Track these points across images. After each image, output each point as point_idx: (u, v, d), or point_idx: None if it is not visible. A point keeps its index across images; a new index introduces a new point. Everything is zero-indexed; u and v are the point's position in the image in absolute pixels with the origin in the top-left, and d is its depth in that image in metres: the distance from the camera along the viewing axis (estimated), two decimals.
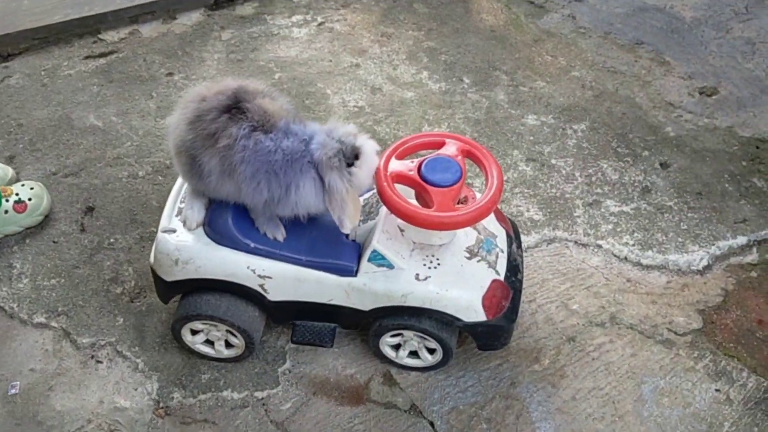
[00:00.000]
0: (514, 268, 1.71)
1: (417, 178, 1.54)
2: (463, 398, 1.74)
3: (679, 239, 2.08)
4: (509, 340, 1.73)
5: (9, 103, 2.41)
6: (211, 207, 1.63)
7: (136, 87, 2.47)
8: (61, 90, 2.45)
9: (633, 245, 2.07)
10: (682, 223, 2.13)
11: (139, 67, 2.54)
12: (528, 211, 2.14)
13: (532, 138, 2.35)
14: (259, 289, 1.64)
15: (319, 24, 2.73)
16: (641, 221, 2.13)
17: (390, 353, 1.76)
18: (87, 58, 2.57)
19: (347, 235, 1.64)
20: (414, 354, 1.76)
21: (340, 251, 1.62)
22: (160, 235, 1.65)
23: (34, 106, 2.40)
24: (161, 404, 1.72)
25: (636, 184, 2.23)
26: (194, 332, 1.73)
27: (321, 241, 1.62)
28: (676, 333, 1.89)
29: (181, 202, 1.70)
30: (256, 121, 1.47)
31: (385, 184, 1.53)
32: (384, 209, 1.63)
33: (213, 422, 1.70)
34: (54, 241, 2.02)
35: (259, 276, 1.62)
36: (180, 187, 1.72)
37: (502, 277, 1.66)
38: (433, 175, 1.54)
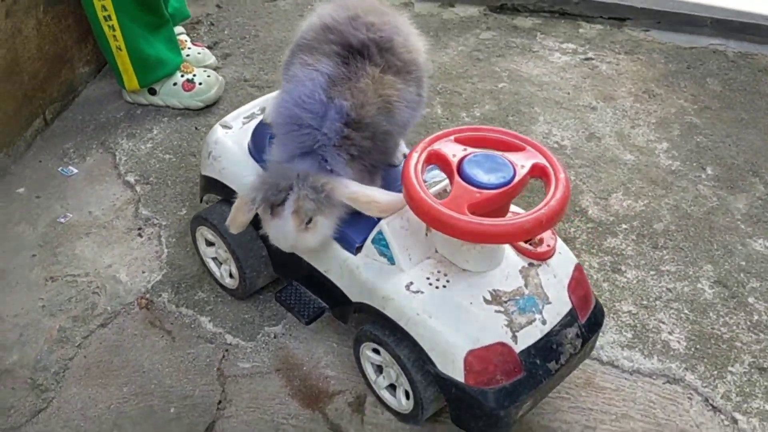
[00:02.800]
0: (548, 351, 1.25)
1: (454, 164, 1.19)
2: None
3: None
4: None
5: (264, 17, 2.53)
6: (259, 122, 1.49)
7: None
8: None
9: None
10: None
11: None
12: (670, 333, 1.58)
13: (743, 264, 1.73)
14: None
15: (586, 58, 2.39)
16: None
17: (371, 374, 1.41)
18: None
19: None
20: (395, 390, 1.39)
21: (355, 223, 1.33)
22: (216, 125, 1.56)
23: (279, 27, 2.49)
24: (148, 295, 1.61)
25: None
26: (210, 244, 1.59)
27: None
28: None
29: (259, 110, 1.58)
30: (336, 75, 1.28)
31: (415, 154, 1.21)
32: None
33: (173, 338, 1.54)
34: (196, 128, 2.05)
35: None
36: (265, 99, 1.61)
37: (517, 348, 1.22)
38: (472, 168, 1.18)
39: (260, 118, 1.54)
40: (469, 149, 1.22)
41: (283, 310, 1.58)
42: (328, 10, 1.36)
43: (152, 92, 2.08)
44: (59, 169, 1.91)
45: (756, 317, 1.62)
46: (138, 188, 1.86)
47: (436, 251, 1.30)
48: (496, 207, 1.17)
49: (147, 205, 1.82)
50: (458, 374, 1.20)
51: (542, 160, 1.21)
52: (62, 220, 1.78)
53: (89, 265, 1.67)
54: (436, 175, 1.33)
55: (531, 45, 2.45)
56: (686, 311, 1.63)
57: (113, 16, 1.90)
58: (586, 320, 1.31)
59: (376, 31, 1.31)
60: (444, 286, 1.25)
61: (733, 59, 2.41)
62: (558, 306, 1.28)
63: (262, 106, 1.60)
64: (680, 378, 1.50)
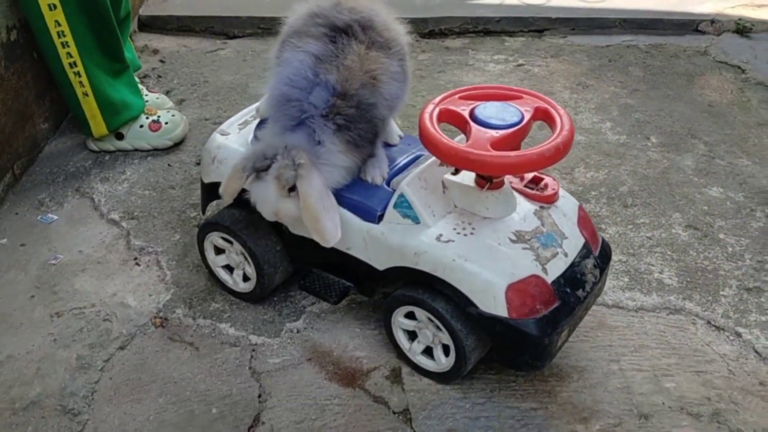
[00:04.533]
0: (575, 280, 1.34)
1: (465, 114, 1.29)
2: (467, 425, 1.36)
3: None
4: (541, 363, 1.33)
5: (209, 66, 2.61)
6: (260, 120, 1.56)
7: None
8: (255, 66, 2.60)
9: None
10: None
11: None
12: (660, 272, 1.70)
13: (705, 208, 1.90)
14: None
15: (518, 65, 2.58)
16: None
17: (404, 342, 1.45)
18: None
19: (389, 182, 1.43)
20: (430, 355, 1.44)
21: (370, 193, 1.41)
22: (213, 133, 1.60)
23: (226, 72, 2.56)
24: (161, 314, 1.60)
25: None
26: (218, 252, 1.61)
27: (358, 181, 1.43)
28: None
29: (252, 116, 1.64)
30: (324, 53, 1.38)
31: (427, 113, 1.31)
32: (431, 158, 1.39)
33: (197, 348, 1.53)
34: (169, 165, 2.08)
35: None
36: (255, 106, 1.67)
37: (549, 279, 1.30)
38: (483, 114, 1.29)
39: (256, 122, 1.60)
40: (475, 102, 1.33)
41: (301, 306, 1.61)
42: (312, 0, 1.47)
43: (119, 137, 2.09)
44: (38, 218, 1.88)
45: (730, 249, 1.78)
46: (124, 224, 1.86)
47: (455, 206, 1.38)
48: (513, 146, 1.27)
49: (138, 236, 1.82)
50: (501, 310, 1.27)
51: (542, 104, 1.33)
52: (53, 261, 1.75)
53: (93, 297, 1.65)
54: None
55: (466, 60, 2.62)
56: (669, 252, 1.76)
57: (79, 63, 1.92)
58: (599, 252, 1.42)
59: (358, 13, 1.43)
60: (471, 233, 1.33)
61: (646, 50, 2.66)
62: (574, 240, 1.38)
63: (253, 112, 1.66)
64: (681, 308, 1.62)
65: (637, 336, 1.56)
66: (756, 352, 1.52)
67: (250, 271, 1.56)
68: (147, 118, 2.11)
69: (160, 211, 1.90)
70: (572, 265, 1.35)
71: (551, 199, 1.41)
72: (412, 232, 1.35)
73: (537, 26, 2.79)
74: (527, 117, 1.29)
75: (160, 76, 2.53)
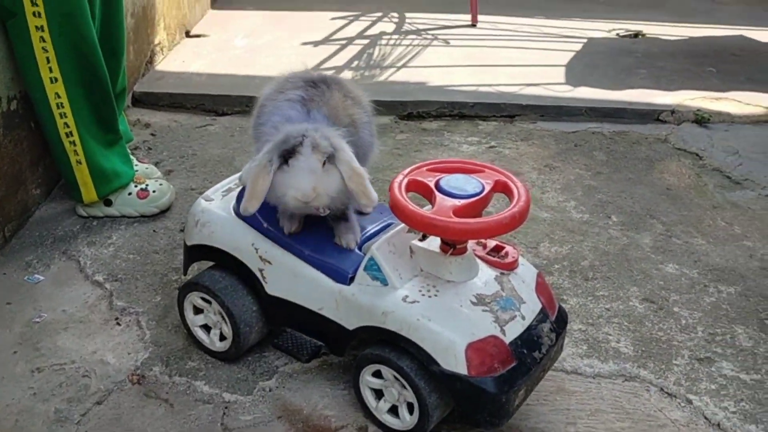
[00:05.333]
0: (531, 342, 1.43)
1: (431, 184, 1.42)
2: None
3: None
4: (499, 420, 1.40)
5: (198, 140, 2.73)
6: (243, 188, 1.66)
7: None
8: (242, 141, 2.73)
9: (734, 413, 1.60)
10: None
11: None
12: (617, 342, 1.80)
13: (661, 283, 2.01)
14: (259, 275, 1.58)
15: (490, 146, 2.73)
16: (758, 394, 1.65)
17: (371, 401, 1.53)
18: None
19: (360, 247, 1.53)
20: (396, 414, 1.50)
21: (342, 256, 1.52)
22: (198, 199, 1.71)
23: (213, 146, 2.69)
24: (139, 371, 1.67)
25: None
26: (197, 312, 1.69)
27: (330, 243, 1.54)
28: None
29: (235, 185, 1.75)
30: (306, 97, 1.51)
31: (396, 182, 1.43)
32: (400, 225, 1.50)
33: (171, 405, 1.59)
34: (154, 231, 2.17)
35: (261, 258, 1.56)
36: (240, 174, 1.78)
37: (507, 340, 1.39)
38: (448, 185, 1.41)
39: (238, 189, 1.70)
40: (441, 174, 1.45)
41: (274, 366, 1.68)
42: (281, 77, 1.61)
43: (108, 203, 2.19)
44: (25, 278, 1.96)
45: (683, 321, 1.88)
46: (108, 285, 1.94)
47: (421, 270, 1.48)
48: (474, 214, 1.39)
49: (120, 297, 1.89)
50: (461, 368, 1.36)
51: (501, 177, 1.45)
52: (37, 320, 1.82)
53: (74, 354, 1.71)
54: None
55: (441, 140, 2.78)
56: (626, 323, 1.86)
57: (75, 133, 2.05)
58: (555, 317, 1.52)
59: (326, 76, 1.58)
60: (435, 295, 1.42)
61: (610, 136, 2.83)
62: (531, 305, 1.48)
63: (235, 183, 1.77)
64: (635, 375, 1.71)
65: (593, 401, 1.64)
66: (705, 418, 1.60)
67: (227, 330, 1.64)
68: (135, 186, 2.22)
69: (143, 274, 1.98)
70: (529, 327, 1.44)
71: (511, 266, 1.52)
72: (381, 293, 1.44)
73: (509, 112, 2.96)
74: (487, 188, 1.42)
75: (150, 148, 2.65)
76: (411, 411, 1.46)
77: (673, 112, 2.95)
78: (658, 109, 2.97)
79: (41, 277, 1.97)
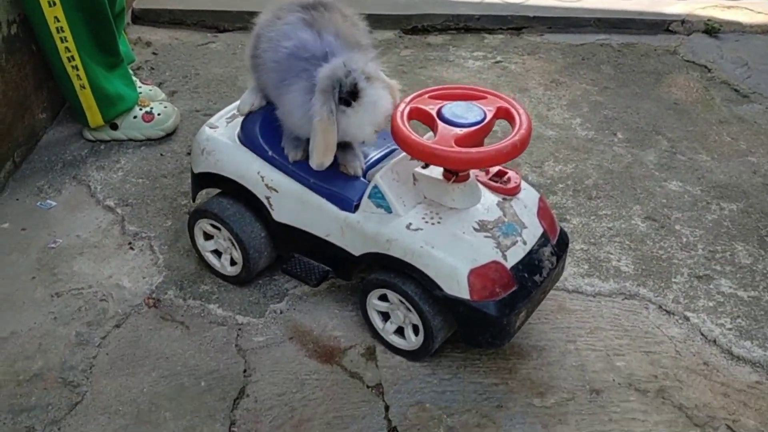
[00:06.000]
0: (532, 266, 1.47)
1: (433, 113, 1.42)
2: (434, 398, 1.50)
3: None
4: (500, 341, 1.46)
5: (200, 58, 2.71)
6: (246, 115, 1.66)
7: None
8: (243, 59, 2.69)
9: (730, 329, 1.66)
10: None
11: None
12: (618, 260, 1.84)
13: (665, 201, 2.03)
14: (266, 202, 1.61)
15: (496, 62, 2.70)
16: (754, 311, 1.71)
17: (378, 322, 1.58)
18: None
19: (365, 175, 1.55)
20: (402, 334, 1.57)
21: (347, 184, 1.53)
22: (203, 126, 1.72)
23: (216, 65, 2.67)
24: (154, 295, 1.73)
25: None
26: (207, 238, 1.74)
27: (335, 170, 1.55)
28: None
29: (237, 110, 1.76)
30: (309, 19, 1.46)
31: (398, 112, 1.43)
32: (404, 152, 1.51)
33: (186, 327, 1.66)
34: (161, 154, 2.19)
35: (267, 186, 1.59)
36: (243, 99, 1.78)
37: (508, 265, 1.43)
38: (449, 113, 1.41)
39: (241, 118, 1.71)
40: (443, 102, 1.45)
41: (284, 289, 1.73)
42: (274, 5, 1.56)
43: (114, 127, 2.21)
44: (38, 204, 2.00)
45: (684, 239, 1.91)
46: (119, 210, 1.98)
47: (425, 197, 1.50)
48: (476, 143, 1.40)
49: (132, 222, 1.94)
50: (464, 292, 1.40)
51: (504, 104, 1.45)
52: (53, 245, 1.86)
53: (90, 279, 1.77)
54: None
55: (446, 56, 2.74)
56: (627, 242, 1.90)
57: (76, 57, 2.03)
58: (556, 241, 1.55)
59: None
60: (438, 222, 1.45)
61: (619, 49, 2.78)
62: (533, 230, 1.51)
63: (235, 108, 1.77)
64: (635, 293, 1.76)
65: (593, 319, 1.69)
66: (702, 334, 1.66)
67: (237, 255, 1.68)
68: (140, 109, 2.22)
69: (153, 199, 2.01)
70: (530, 252, 1.48)
71: (513, 192, 1.54)
72: (385, 220, 1.47)
73: (515, 24, 2.91)
74: (489, 116, 1.42)
75: (152, 68, 2.64)
76: (416, 332, 1.52)
77: (683, 22, 2.89)
78: (668, 19, 2.91)
79: (53, 203, 2.00)
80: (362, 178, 1.55)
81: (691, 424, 1.47)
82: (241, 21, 2.91)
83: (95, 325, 1.65)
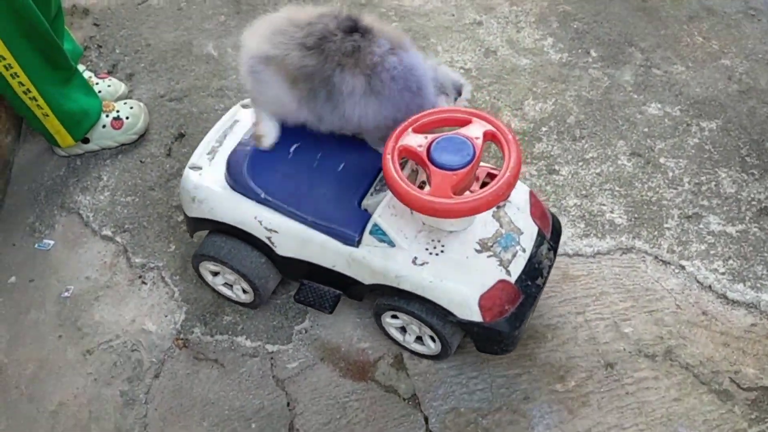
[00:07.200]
0: (533, 272, 1.54)
1: (424, 154, 1.42)
2: (467, 401, 1.64)
3: None
4: (512, 348, 1.58)
5: (145, 22, 2.55)
6: (232, 151, 1.64)
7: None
8: (192, 15, 2.55)
9: (723, 273, 1.78)
10: None
11: (267, 1, 2.57)
12: (612, 212, 1.91)
13: (646, 130, 2.07)
14: (267, 242, 1.64)
15: None
16: (743, 248, 1.82)
17: (396, 336, 1.69)
18: None
19: (360, 203, 1.57)
20: (422, 341, 1.67)
21: (346, 218, 1.56)
22: (186, 169, 1.69)
23: (165, 28, 2.52)
24: (182, 335, 1.80)
25: (754, 202, 1.90)
26: (215, 273, 1.78)
27: (332, 205, 1.57)
28: (739, 386, 1.62)
29: (217, 141, 1.72)
30: (390, 41, 1.49)
31: (389, 155, 1.42)
32: None
33: (222, 364, 1.74)
34: (141, 161, 2.15)
35: (266, 228, 1.61)
36: (220, 126, 1.74)
37: (512, 279, 1.51)
38: (440, 155, 1.40)
39: (222, 150, 1.68)
40: (429, 136, 1.43)
41: (304, 309, 1.81)
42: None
43: (85, 141, 2.14)
44: (36, 246, 1.99)
45: (670, 174, 1.98)
46: (118, 239, 1.98)
47: (423, 224, 1.54)
48: (470, 179, 1.42)
49: (136, 252, 1.95)
50: (476, 316, 1.49)
51: (490, 127, 1.44)
52: (66, 294, 1.89)
53: (115, 327, 1.82)
54: None
55: None
56: (617, 188, 1.96)
57: (32, 88, 1.93)
58: (551, 234, 1.61)
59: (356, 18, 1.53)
60: (442, 251, 1.51)
61: None
62: (529, 232, 1.56)
63: (216, 137, 1.73)
64: (631, 246, 1.85)
65: (597, 283, 1.80)
66: (698, 282, 1.78)
67: (246, 286, 1.73)
68: (107, 116, 2.14)
69: (149, 220, 2.01)
70: (530, 258, 1.54)
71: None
72: (390, 255, 1.52)
73: None
74: (478, 147, 1.40)
75: (100, 46, 2.49)
76: (434, 339, 1.63)
77: None
78: None
79: (51, 242, 2.00)
80: (358, 208, 1.56)
81: (698, 383, 1.63)
82: None
83: (136, 381, 1.74)
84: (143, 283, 1.90)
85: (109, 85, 2.28)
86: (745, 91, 2.14)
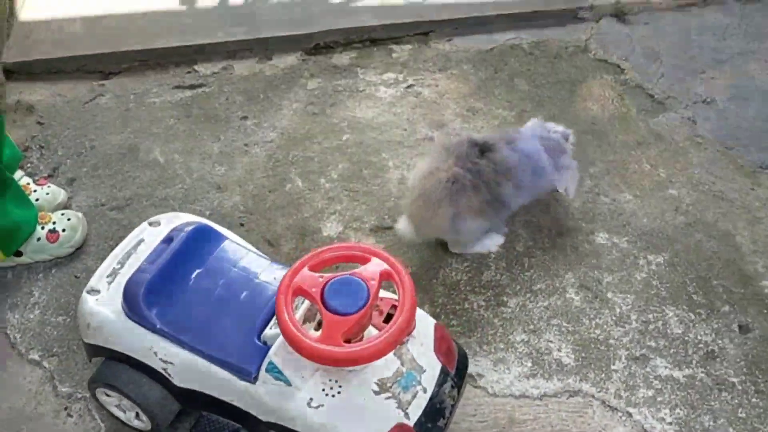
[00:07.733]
0: (435, 413, 1.49)
1: (317, 296, 1.37)
2: None
3: (730, 430, 1.74)
4: None
5: (92, 122, 2.49)
6: (130, 277, 1.59)
7: (208, 127, 2.46)
8: (140, 118, 2.50)
9: (670, 423, 1.76)
10: (740, 410, 1.77)
11: (219, 105, 2.54)
12: (559, 350, 1.88)
13: (594, 261, 2.06)
14: (164, 372, 1.56)
15: (408, 86, 2.58)
16: (690, 395, 1.80)
17: None
18: (176, 87, 2.60)
19: (259, 337, 1.51)
20: None
21: (245, 353, 1.50)
22: (83, 293, 1.62)
23: (111, 130, 2.46)
24: None
25: (701, 345, 1.89)
26: (110, 394, 1.69)
27: (231, 338, 1.51)
28: None
29: (119, 263, 1.66)
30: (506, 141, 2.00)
31: (282, 295, 1.37)
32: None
33: None
34: (76, 276, 2.06)
35: (161, 360, 1.54)
36: (124, 246, 1.69)
37: (411, 422, 1.46)
38: (334, 297, 1.36)
39: (123, 272, 1.63)
40: (324, 276, 1.39)
41: None
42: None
43: (18, 254, 2.04)
44: None
45: (618, 310, 1.96)
46: (45, 364, 1.88)
47: None
48: (364, 323, 1.38)
49: (63, 380, 1.84)
50: None
51: (387, 267, 1.41)
52: None
53: None
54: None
55: (356, 84, 2.60)
56: (565, 324, 1.94)
57: None
58: (455, 370, 1.57)
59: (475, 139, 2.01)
60: (339, 392, 1.45)
61: (530, 51, 2.71)
62: (431, 370, 1.51)
63: (118, 260, 1.67)
64: (578, 389, 1.82)
65: (543, 429, 1.75)
66: (645, 431, 1.75)
67: (143, 416, 1.65)
68: (43, 228, 2.06)
69: (78, 344, 1.91)
70: (431, 398, 1.49)
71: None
72: (286, 394, 1.46)
73: (422, 29, 2.76)
74: (373, 291, 1.37)
75: (42, 146, 2.41)
76: None
77: (591, 7, 2.80)
78: (575, 6, 2.81)
79: None
80: (257, 341, 1.50)
81: None
82: (127, 61, 2.67)
83: None
84: (68, 415, 1.79)
85: (47, 193, 2.19)
86: (691, 223, 2.16)
